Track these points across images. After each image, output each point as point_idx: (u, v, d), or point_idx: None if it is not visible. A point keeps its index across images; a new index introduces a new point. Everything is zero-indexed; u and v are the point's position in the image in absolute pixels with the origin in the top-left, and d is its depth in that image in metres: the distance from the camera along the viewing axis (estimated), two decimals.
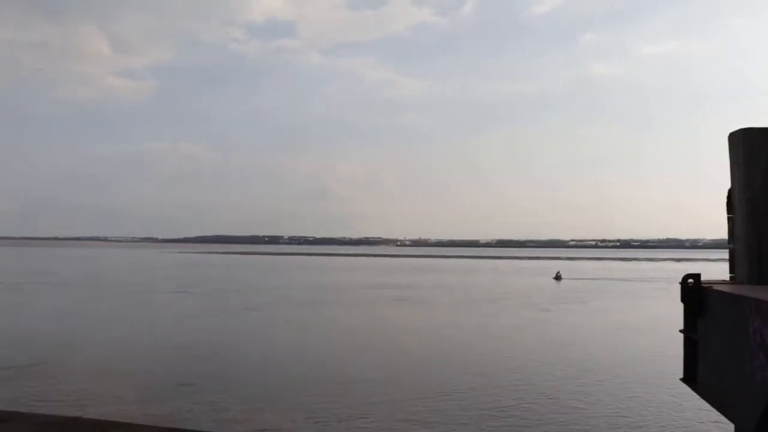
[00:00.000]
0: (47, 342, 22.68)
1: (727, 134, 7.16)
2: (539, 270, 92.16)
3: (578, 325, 30.55)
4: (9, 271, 72.53)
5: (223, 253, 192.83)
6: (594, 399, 15.63)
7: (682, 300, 6.72)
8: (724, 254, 7.52)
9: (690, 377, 7.00)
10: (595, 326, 30.46)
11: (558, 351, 22.52)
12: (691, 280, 6.64)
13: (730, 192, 7.29)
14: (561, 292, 52.05)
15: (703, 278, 6.76)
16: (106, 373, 18.08)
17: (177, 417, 12.47)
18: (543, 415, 14.13)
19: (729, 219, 7.38)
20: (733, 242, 7.24)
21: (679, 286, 6.70)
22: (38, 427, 6.13)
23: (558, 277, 70.67)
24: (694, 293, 6.59)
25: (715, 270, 8.05)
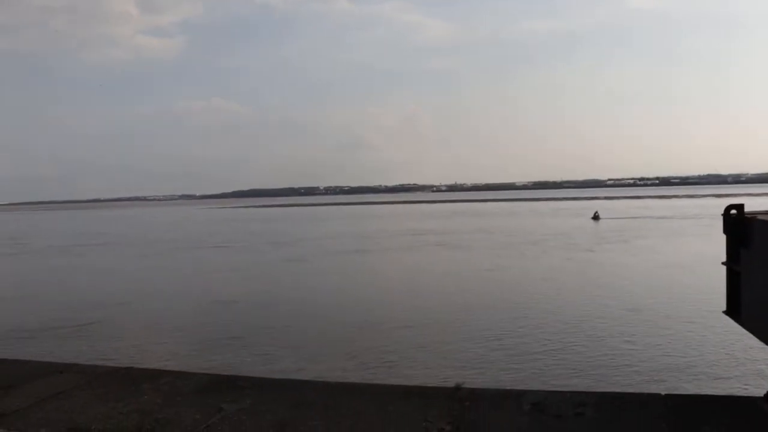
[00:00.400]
0: (100, 301, 23.25)
1: None
2: (577, 211, 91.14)
3: (623, 265, 30.24)
4: (56, 235, 74.35)
5: (261, 206, 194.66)
6: (642, 339, 15.61)
7: (725, 231, 6.62)
8: None
9: (733, 309, 6.95)
10: (639, 265, 30.10)
11: (603, 291, 22.42)
12: (734, 211, 6.52)
13: None
14: (602, 232, 51.39)
15: (746, 210, 6.63)
16: (158, 329, 18.51)
17: (230, 369, 12.84)
18: (591, 357, 14.17)
19: None
20: None
21: (722, 217, 6.59)
22: (92, 376, 6.36)
23: (596, 217, 69.91)
24: (737, 224, 6.48)
25: (760, 204, 7.86)
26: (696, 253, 32.47)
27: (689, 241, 41.05)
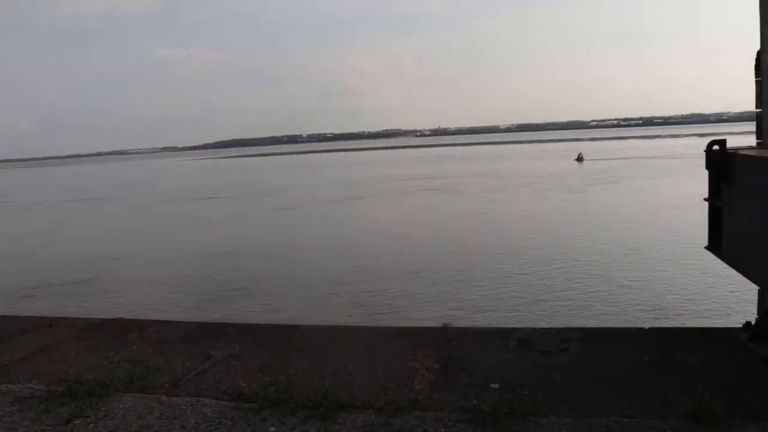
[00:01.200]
0: (94, 257, 22.96)
1: None
2: (564, 152, 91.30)
3: (617, 205, 30.44)
4: (41, 191, 73.56)
5: (245, 156, 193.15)
6: (642, 277, 15.84)
7: (707, 167, 6.65)
8: (751, 126, 7.33)
9: (715, 245, 7.05)
10: (633, 205, 30.32)
11: (601, 232, 22.62)
12: (716, 147, 6.54)
13: (759, 54, 7.04)
14: (593, 173, 51.49)
15: (728, 146, 6.65)
16: (158, 282, 18.35)
17: (236, 320, 12.82)
18: (595, 296, 14.38)
19: (757, 83, 7.16)
20: (761, 106, 7.06)
21: (704, 153, 6.61)
22: (81, 328, 6.38)
23: (580, 159, 70.09)
24: (720, 159, 6.50)
25: (742, 141, 7.90)
26: (683, 191, 32.73)
27: (681, 180, 41.29)
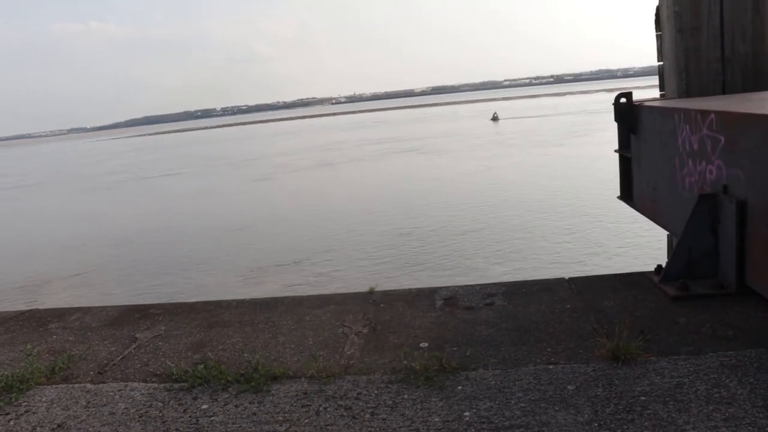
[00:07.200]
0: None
1: None
2: (479, 112, 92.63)
3: (536, 163, 31.17)
4: None
5: (163, 132, 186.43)
6: (550, 231, 16.38)
7: (616, 119, 6.89)
8: (656, 80, 7.64)
9: (626, 194, 7.35)
10: (550, 161, 31.14)
11: (522, 187, 23.21)
12: (623, 100, 6.77)
13: (658, 9, 7.29)
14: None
15: (635, 99, 6.90)
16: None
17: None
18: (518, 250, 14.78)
19: (657, 37, 7.42)
20: (662, 59, 7.34)
21: (612, 106, 6.84)
22: None
23: (495, 118, 71.36)
24: (627, 111, 6.75)
25: (648, 94, 8.26)
26: (595, 145, 33.89)
27: (593, 134, 42.56)
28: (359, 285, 11.25)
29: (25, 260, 19.78)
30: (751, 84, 6.72)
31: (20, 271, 17.95)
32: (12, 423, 4.12)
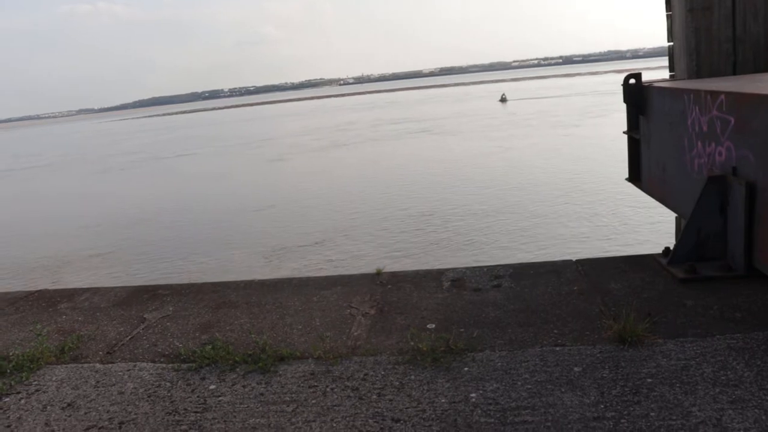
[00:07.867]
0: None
1: None
2: (488, 93, 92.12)
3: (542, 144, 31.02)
4: None
5: (172, 114, 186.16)
6: (570, 211, 16.36)
7: (625, 100, 6.83)
8: (665, 61, 7.56)
9: (635, 176, 7.30)
10: (558, 142, 30.98)
11: (529, 169, 23.16)
12: (632, 80, 6.71)
13: None
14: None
15: (644, 80, 6.83)
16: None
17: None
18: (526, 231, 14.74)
19: (668, 17, 7.34)
20: (672, 40, 7.26)
21: (621, 87, 6.78)
22: (7, 302, 6.14)
23: (503, 99, 70.97)
24: (636, 92, 6.69)
25: (657, 75, 8.20)
26: (604, 126, 33.71)
27: (602, 116, 42.20)
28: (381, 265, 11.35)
29: (43, 240, 19.85)
30: (763, 65, 6.64)
31: (38, 251, 18.03)
32: (23, 401, 4.17)
